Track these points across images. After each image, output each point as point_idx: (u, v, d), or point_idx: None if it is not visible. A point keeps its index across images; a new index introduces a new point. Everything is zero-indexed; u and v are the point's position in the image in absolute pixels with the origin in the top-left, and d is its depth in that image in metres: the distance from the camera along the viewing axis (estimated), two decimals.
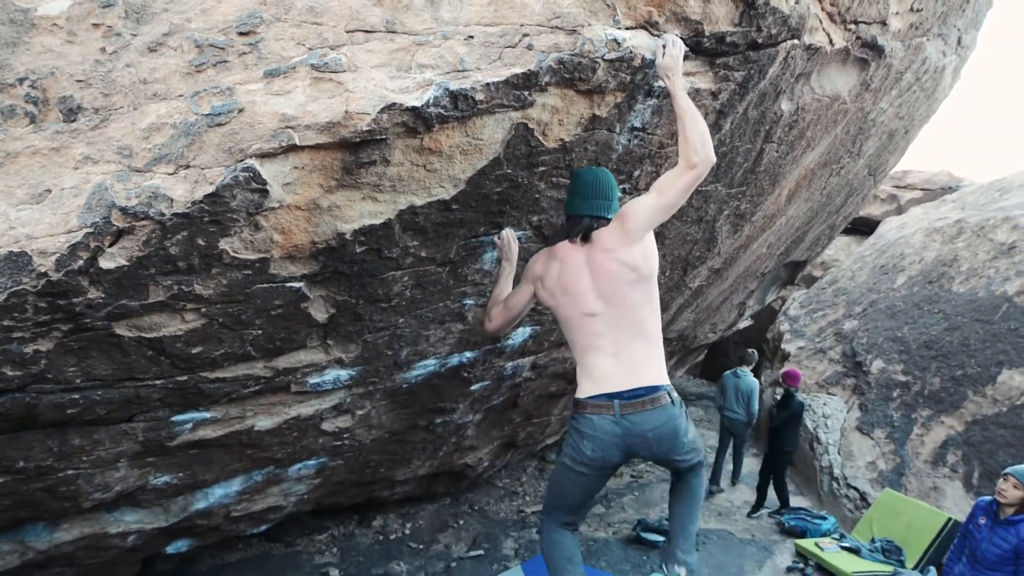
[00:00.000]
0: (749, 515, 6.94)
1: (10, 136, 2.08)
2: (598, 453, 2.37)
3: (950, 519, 5.68)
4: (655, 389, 2.37)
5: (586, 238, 2.45)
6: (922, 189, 15.71)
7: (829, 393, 8.52)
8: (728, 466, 7.99)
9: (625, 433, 2.34)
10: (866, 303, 9.66)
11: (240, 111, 1.99)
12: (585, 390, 2.41)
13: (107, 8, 2.26)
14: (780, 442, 6.84)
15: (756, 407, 7.40)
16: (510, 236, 2.81)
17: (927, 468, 6.79)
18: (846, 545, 5.84)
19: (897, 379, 7.89)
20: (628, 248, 2.38)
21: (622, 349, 2.40)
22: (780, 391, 7.20)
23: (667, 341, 7.28)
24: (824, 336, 9.64)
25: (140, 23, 2.27)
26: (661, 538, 5.95)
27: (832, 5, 3.20)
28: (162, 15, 2.28)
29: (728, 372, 7.64)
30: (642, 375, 2.39)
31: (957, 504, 6.28)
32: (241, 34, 2.16)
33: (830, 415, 7.97)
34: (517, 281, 2.77)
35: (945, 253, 9.29)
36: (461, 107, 2.10)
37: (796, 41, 2.98)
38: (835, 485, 7.16)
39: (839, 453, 7.46)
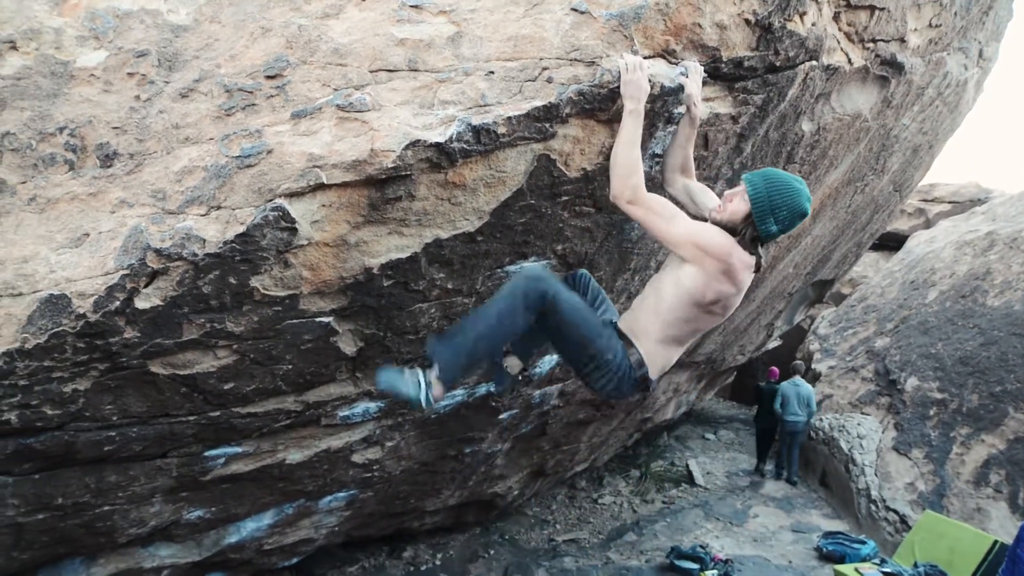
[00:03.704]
0: (756, 469, 9.25)
1: (51, 183, 2.16)
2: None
3: (996, 542, 5.48)
4: None
5: None
6: (950, 202, 15.47)
7: (863, 413, 8.34)
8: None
9: None
10: (897, 320, 9.48)
11: (269, 152, 2.05)
12: (647, 365, 2.39)
13: (141, 57, 2.35)
14: (763, 416, 9.21)
15: (815, 407, 8.72)
16: (639, 64, 2.22)
17: (969, 488, 6.59)
18: (887, 570, 5.66)
19: (933, 397, 7.70)
20: None
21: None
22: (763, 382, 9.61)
23: (695, 364, 7.22)
24: (856, 355, 9.47)
25: (172, 70, 2.36)
26: (695, 565, 5.84)
27: (849, 25, 3.21)
28: (193, 62, 2.36)
29: (785, 383, 8.90)
30: None
31: (1003, 526, 6.08)
32: (269, 78, 2.23)
33: (865, 435, 7.79)
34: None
35: (977, 266, 9.10)
36: (484, 141, 2.14)
37: (814, 62, 2.98)
38: (873, 508, 6.97)
39: (876, 474, 7.27)
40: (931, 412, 7.57)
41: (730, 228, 2.27)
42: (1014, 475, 6.37)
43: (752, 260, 2.30)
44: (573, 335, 2.28)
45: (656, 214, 2.24)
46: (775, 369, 9.69)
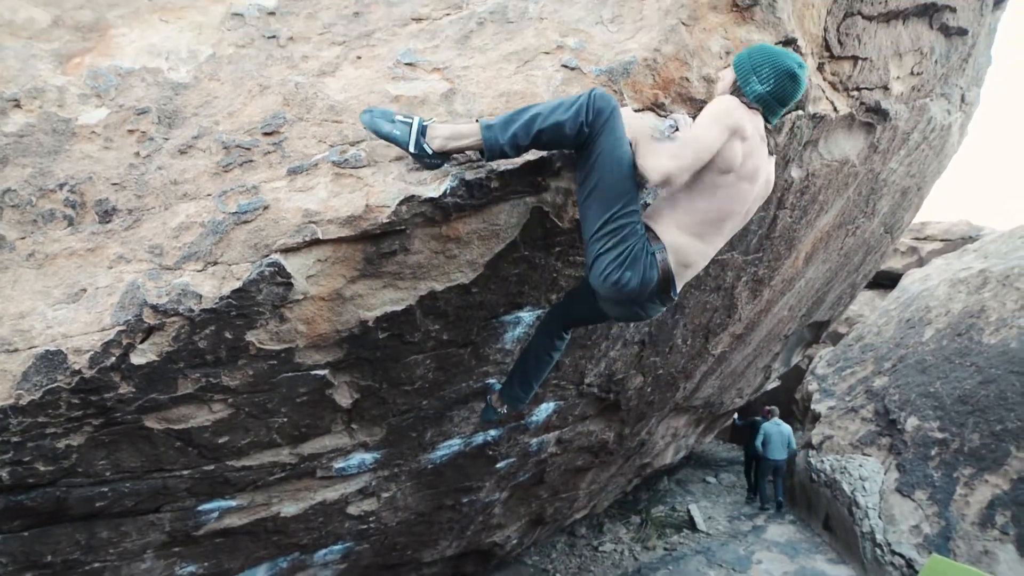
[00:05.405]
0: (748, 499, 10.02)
1: (49, 238, 2.18)
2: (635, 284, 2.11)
3: None
4: None
5: None
6: (942, 240, 15.62)
7: (864, 454, 8.26)
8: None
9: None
10: (895, 358, 9.47)
11: (265, 208, 2.08)
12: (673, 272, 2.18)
13: (142, 115, 2.40)
14: (749, 445, 10.19)
15: (794, 445, 9.64)
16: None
17: (975, 531, 6.48)
18: None
19: (934, 436, 7.64)
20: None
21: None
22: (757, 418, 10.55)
23: (693, 408, 7.17)
24: (855, 394, 9.42)
25: (172, 127, 2.40)
26: None
27: (834, 75, 3.29)
28: (192, 119, 2.41)
29: (768, 424, 9.78)
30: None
31: (1012, 568, 5.96)
32: (266, 134, 2.28)
33: (867, 477, 7.70)
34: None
35: (972, 304, 9.13)
36: (477, 196, 2.17)
37: (801, 112, 3.05)
38: (879, 552, 6.85)
39: (880, 517, 7.17)
40: (932, 452, 7.50)
41: None
42: (1020, 516, 6.28)
43: (758, 117, 2.18)
44: (612, 178, 2.00)
45: (681, 159, 2.02)
46: (768, 408, 10.44)
